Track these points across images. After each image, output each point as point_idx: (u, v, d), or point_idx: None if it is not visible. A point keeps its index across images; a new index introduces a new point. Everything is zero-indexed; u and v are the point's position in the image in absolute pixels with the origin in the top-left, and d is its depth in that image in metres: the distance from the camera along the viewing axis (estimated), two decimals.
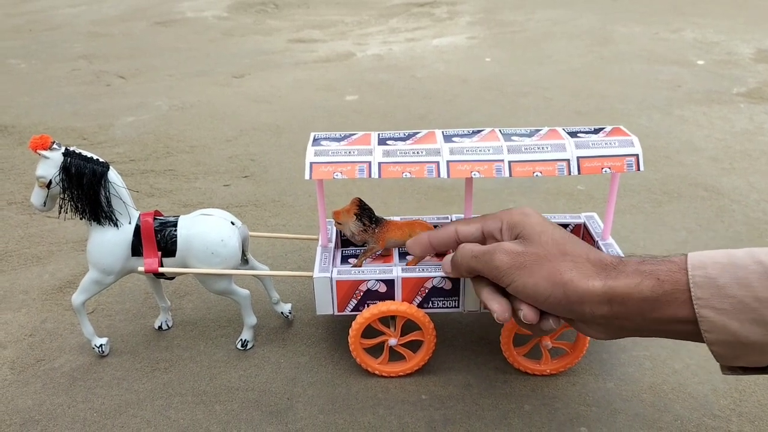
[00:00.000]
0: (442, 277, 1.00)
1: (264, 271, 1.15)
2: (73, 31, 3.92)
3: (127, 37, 3.75)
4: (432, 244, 0.97)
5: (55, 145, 0.97)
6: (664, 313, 0.69)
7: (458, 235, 0.92)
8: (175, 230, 1.04)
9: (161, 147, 2.07)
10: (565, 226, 1.17)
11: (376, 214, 1.08)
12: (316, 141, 1.01)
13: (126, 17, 4.27)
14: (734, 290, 0.64)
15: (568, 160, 0.94)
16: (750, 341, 0.64)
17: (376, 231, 1.07)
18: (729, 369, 0.70)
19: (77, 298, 1.07)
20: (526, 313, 0.80)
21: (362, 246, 1.12)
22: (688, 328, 0.68)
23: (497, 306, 0.83)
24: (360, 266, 1.06)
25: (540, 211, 0.88)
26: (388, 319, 1.06)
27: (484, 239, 0.90)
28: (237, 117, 2.35)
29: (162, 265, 1.04)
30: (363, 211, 1.06)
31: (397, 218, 1.13)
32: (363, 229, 1.06)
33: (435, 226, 1.16)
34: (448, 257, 0.93)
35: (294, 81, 2.79)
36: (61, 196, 1.00)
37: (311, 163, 0.95)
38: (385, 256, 1.15)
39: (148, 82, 2.84)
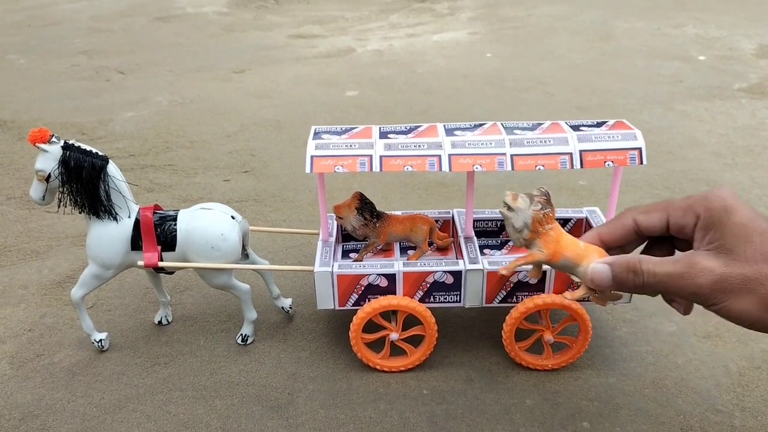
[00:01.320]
0: (443, 272, 0.99)
1: (264, 265, 1.15)
2: (73, 26, 3.91)
3: (127, 32, 3.74)
4: (603, 240, 0.79)
5: (54, 139, 0.97)
6: None
7: (638, 226, 0.75)
8: (175, 224, 1.03)
9: (161, 142, 2.07)
10: (567, 221, 1.17)
11: (377, 208, 1.08)
12: (317, 135, 1.00)
13: (126, 13, 4.26)
14: None
15: (570, 154, 0.94)
16: None
17: (377, 225, 1.06)
18: None
19: (76, 292, 1.06)
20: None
21: (363, 240, 1.11)
22: None
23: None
24: (361, 261, 1.06)
25: None
26: (389, 314, 1.05)
27: (668, 232, 0.74)
28: (237, 112, 2.34)
29: (162, 260, 1.03)
30: (364, 206, 1.05)
31: (398, 213, 1.12)
32: (364, 223, 1.05)
33: (436, 221, 1.16)
34: (603, 269, 0.73)
35: (294, 76, 2.78)
36: (60, 189, 0.99)
37: (312, 157, 0.95)
38: (386, 250, 1.14)
39: (148, 77, 2.83)
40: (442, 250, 1.13)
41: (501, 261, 1.01)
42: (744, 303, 0.66)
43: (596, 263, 0.74)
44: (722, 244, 0.67)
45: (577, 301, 0.83)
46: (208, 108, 2.39)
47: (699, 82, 2.54)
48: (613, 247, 0.78)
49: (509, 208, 0.80)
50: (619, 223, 0.77)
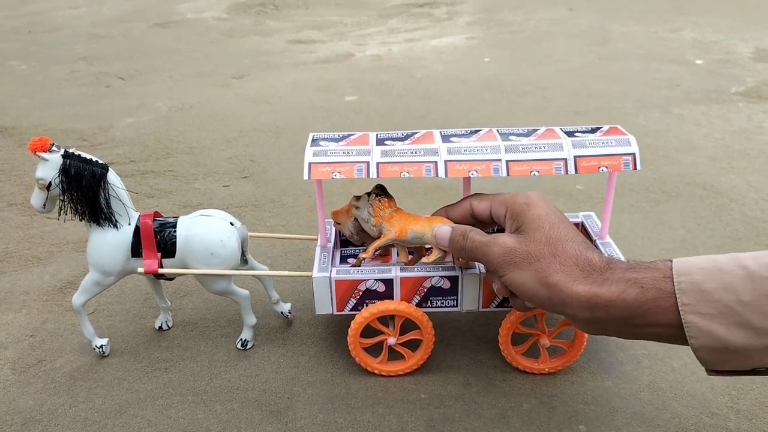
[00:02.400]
0: (440, 277, 1.00)
1: (263, 271, 1.16)
2: (73, 32, 3.93)
3: (126, 38, 3.76)
4: (449, 217, 0.99)
5: (54, 147, 0.98)
6: (647, 320, 0.70)
7: (473, 210, 0.96)
8: (175, 231, 1.04)
9: (161, 148, 2.08)
10: None
11: None
12: (314, 141, 1.01)
13: (126, 18, 4.28)
14: (719, 295, 0.64)
15: (565, 160, 0.95)
16: (735, 345, 0.65)
17: None
18: (714, 371, 0.70)
19: (78, 299, 1.07)
20: (498, 288, 0.87)
21: (361, 246, 1.12)
22: (673, 333, 0.69)
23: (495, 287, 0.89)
24: (359, 266, 1.06)
25: None
26: (387, 319, 1.06)
27: (492, 218, 0.94)
28: (237, 118, 2.35)
29: (162, 266, 1.04)
30: None
31: None
32: (362, 228, 1.06)
33: None
34: (446, 230, 0.94)
35: (293, 81, 2.80)
36: (61, 197, 1.01)
37: (310, 164, 0.96)
38: (383, 255, 1.15)
39: (148, 83, 2.85)
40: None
41: None
42: (523, 275, 0.80)
43: (441, 226, 0.95)
44: (521, 229, 0.83)
45: (434, 264, 1.01)
46: (207, 114, 2.41)
47: (696, 85, 2.55)
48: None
49: (356, 207, 1.02)
50: (460, 206, 0.98)
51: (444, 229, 0.94)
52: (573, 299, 0.74)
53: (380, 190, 1.01)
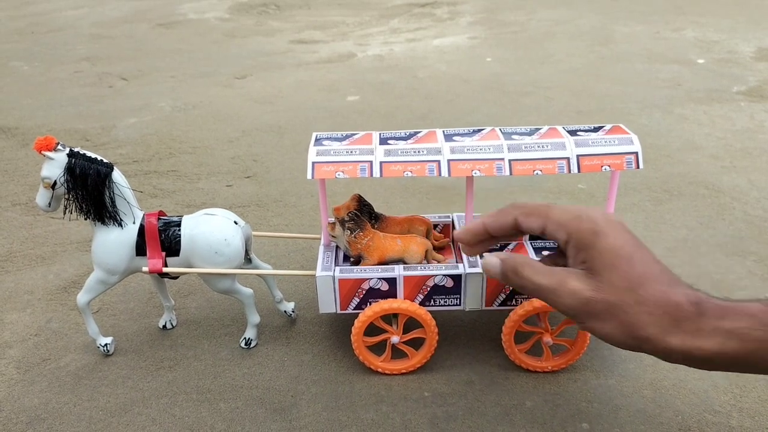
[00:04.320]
0: (443, 276, 1.00)
1: (267, 270, 1.16)
2: (76, 33, 3.93)
3: (129, 38, 3.76)
4: (487, 230, 0.81)
5: (59, 147, 0.98)
6: (750, 368, 0.66)
7: (520, 227, 0.78)
8: (179, 230, 1.05)
9: (164, 148, 2.09)
10: None
11: (378, 211, 1.09)
12: (318, 141, 1.02)
13: (128, 19, 4.29)
14: None
15: (568, 159, 0.95)
16: None
17: (376, 227, 1.08)
18: None
19: (82, 297, 1.07)
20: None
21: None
22: None
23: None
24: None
25: None
26: (390, 317, 1.07)
27: (544, 235, 0.79)
28: (239, 118, 2.36)
29: (166, 265, 1.05)
30: (362, 208, 1.07)
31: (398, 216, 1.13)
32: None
33: (435, 225, 1.17)
34: (495, 264, 0.80)
35: (296, 82, 2.80)
36: (66, 196, 1.01)
37: (313, 163, 0.96)
38: None
39: (151, 83, 2.85)
40: (439, 251, 1.15)
41: None
42: (607, 327, 0.69)
43: (488, 257, 0.79)
44: (591, 267, 0.70)
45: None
46: (210, 114, 2.41)
47: (698, 85, 2.55)
48: (495, 237, 0.82)
49: (334, 237, 1.05)
50: (503, 220, 0.80)
51: (493, 263, 0.79)
52: (667, 353, 0.67)
53: (354, 224, 1.03)
